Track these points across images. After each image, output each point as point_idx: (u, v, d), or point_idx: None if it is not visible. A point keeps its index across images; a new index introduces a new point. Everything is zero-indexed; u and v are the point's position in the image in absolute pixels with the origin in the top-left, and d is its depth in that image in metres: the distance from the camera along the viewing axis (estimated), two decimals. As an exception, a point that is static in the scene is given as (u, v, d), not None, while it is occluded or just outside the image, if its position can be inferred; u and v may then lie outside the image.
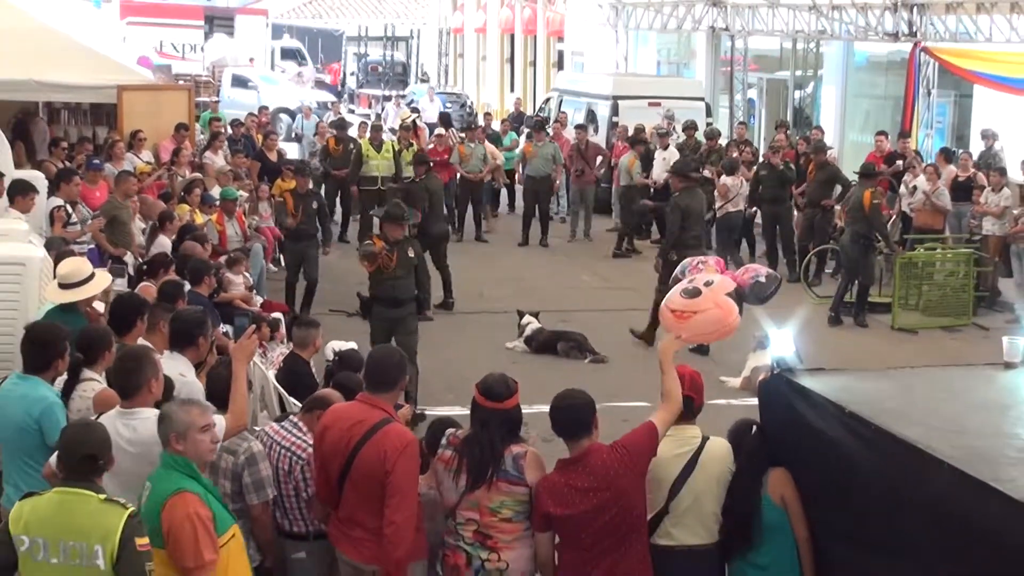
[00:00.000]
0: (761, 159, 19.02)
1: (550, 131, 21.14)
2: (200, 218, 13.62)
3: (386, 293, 10.92)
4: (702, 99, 23.52)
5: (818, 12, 21.89)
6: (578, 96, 24.23)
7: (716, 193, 17.72)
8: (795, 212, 17.81)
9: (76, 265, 7.97)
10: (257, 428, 6.65)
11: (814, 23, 22.23)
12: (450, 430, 5.93)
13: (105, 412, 5.76)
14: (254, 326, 7.52)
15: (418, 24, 50.24)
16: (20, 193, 11.37)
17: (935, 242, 16.46)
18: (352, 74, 48.69)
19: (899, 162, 17.93)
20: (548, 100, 26.20)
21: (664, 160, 18.70)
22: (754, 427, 5.85)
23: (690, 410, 5.78)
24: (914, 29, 19.87)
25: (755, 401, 6.12)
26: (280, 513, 6.31)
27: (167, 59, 36.30)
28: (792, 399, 5.66)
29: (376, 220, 11.95)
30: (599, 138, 22.02)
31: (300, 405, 6.90)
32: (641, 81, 25.11)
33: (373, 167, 18.93)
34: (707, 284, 5.84)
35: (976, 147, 18.63)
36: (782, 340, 5.95)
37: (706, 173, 18.74)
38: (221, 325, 10.07)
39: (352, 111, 38.31)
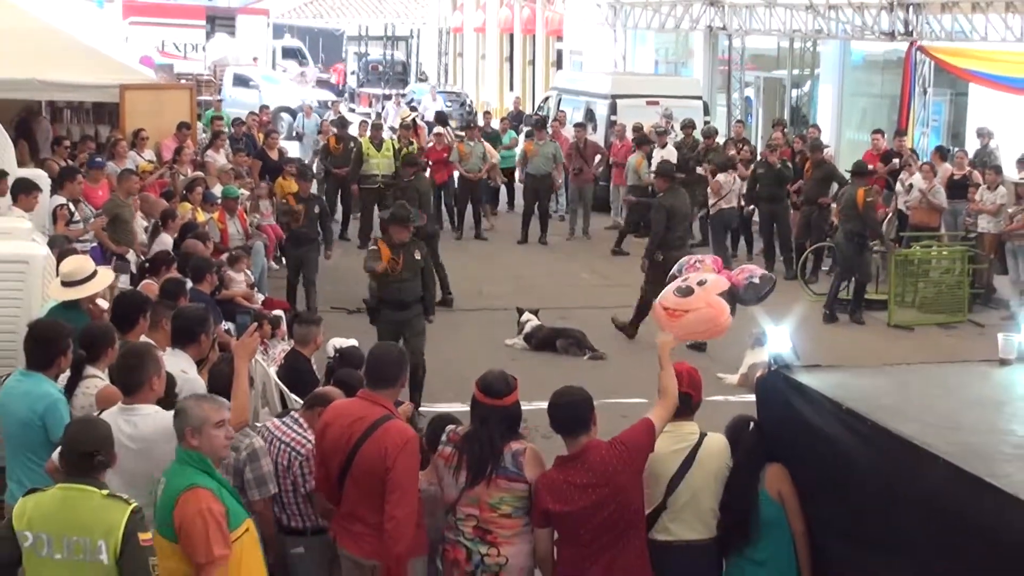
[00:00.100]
0: (758, 157, 19.05)
1: (549, 130, 21.18)
2: (202, 216, 13.64)
3: (392, 296, 10.84)
4: (700, 98, 23.54)
5: (815, 11, 21.89)
6: (577, 95, 24.23)
7: (709, 190, 17.78)
8: (792, 210, 17.86)
9: (79, 263, 8.00)
10: (259, 424, 6.67)
11: (811, 22, 22.23)
12: (450, 427, 5.95)
13: (107, 409, 5.77)
14: (256, 324, 7.55)
15: (418, 24, 50.27)
16: (23, 191, 11.42)
17: (931, 240, 16.52)
18: (353, 73, 48.74)
19: (895, 160, 17.97)
20: (547, 99, 26.20)
21: (663, 159, 18.70)
22: (751, 423, 5.87)
23: (688, 406, 5.81)
24: (910, 28, 19.88)
25: (752, 397, 6.15)
26: (279, 508, 6.32)
27: (169, 58, 36.23)
28: (789, 395, 5.67)
29: (376, 221, 11.93)
30: (597, 137, 22.03)
31: (301, 402, 6.92)
32: (639, 80, 25.11)
33: (373, 166, 18.94)
34: (700, 283, 5.88)
35: (972, 145, 18.64)
36: (779, 337, 5.96)
37: (700, 171, 18.84)
38: (223, 322, 10.09)
39: (353, 110, 38.37)
